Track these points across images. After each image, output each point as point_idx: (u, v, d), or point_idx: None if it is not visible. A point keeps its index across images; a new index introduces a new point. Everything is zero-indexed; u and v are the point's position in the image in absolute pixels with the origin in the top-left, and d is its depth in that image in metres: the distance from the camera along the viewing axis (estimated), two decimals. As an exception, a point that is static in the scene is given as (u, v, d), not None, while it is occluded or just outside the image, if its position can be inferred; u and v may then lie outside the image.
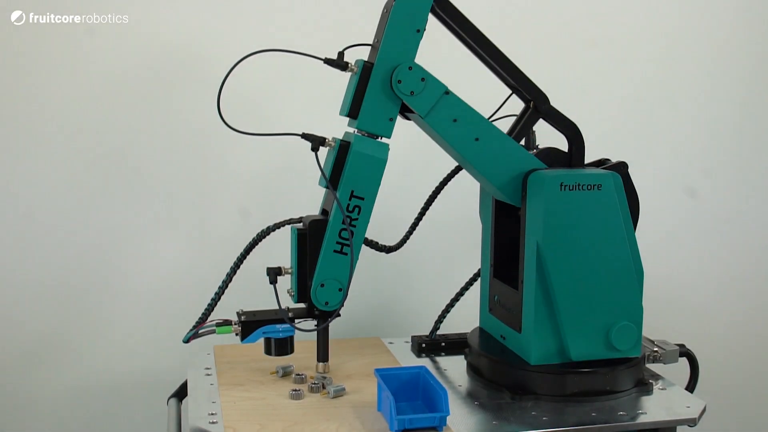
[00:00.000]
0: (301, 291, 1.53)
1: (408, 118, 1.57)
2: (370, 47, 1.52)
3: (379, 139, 1.50)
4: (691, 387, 1.72)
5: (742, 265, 2.37)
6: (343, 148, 1.48)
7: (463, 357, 1.72)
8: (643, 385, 1.56)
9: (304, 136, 1.49)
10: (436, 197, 1.74)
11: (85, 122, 1.94)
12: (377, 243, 1.70)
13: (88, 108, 1.94)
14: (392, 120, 1.49)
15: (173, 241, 2.02)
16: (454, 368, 1.68)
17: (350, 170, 1.47)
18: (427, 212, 1.76)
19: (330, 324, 1.54)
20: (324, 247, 1.49)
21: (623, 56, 2.21)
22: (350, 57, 1.50)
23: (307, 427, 1.38)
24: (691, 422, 1.45)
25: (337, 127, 1.56)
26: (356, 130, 1.50)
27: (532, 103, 1.56)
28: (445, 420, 1.36)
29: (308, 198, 1.71)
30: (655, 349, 1.66)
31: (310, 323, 1.55)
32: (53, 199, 1.94)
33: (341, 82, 1.55)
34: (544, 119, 1.57)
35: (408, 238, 1.74)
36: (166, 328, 1.99)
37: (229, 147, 1.99)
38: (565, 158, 1.58)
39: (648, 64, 2.23)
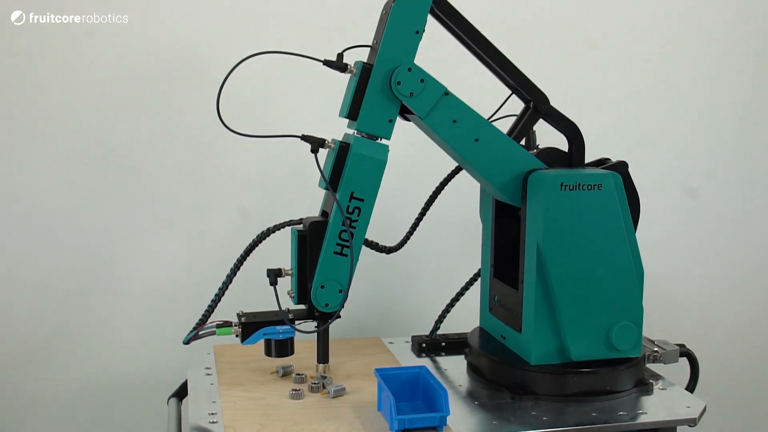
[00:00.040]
0: (302, 292, 1.53)
1: (408, 119, 1.57)
2: (369, 48, 1.52)
3: (378, 141, 1.50)
4: (691, 387, 1.72)
5: (742, 265, 2.38)
6: (342, 149, 1.48)
7: (463, 357, 1.72)
8: (643, 385, 1.56)
9: (304, 137, 1.49)
10: (436, 198, 1.74)
11: (85, 122, 1.94)
12: (377, 244, 1.70)
13: (88, 108, 1.94)
14: (392, 121, 1.49)
15: (173, 243, 2.02)
16: (454, 368, 1.68)
17: (350, 172, 1.47)
18: (428, 213, 1.76)
19: (330, 325, 1.54)
20: (324, 249, 1.49)
21: (623, 56, 2.21)
22: (349, 58, 1.50)
23: (307, 427, 1.38)
24: (691, 422, 1.45)
25: (336, 128, 1.56)
26: (356, 132, 1.50)
27: (531, 103, 1.56)
28: (445, 420, 1.36)
29: (308, 199, 1.72)
30: (655, 349, 1.66)
31: (311, 325, 1.55)
32: (53, 200, 1.94)
33: (341, 83, 1.55)
34: (543, 119, 1.57)
35: (408, 239, 1.74)
36: (166, 328, 1.99)
37: (229, 148, 1.99)
38: (565, 158, 1.58)
39: (648, 64, 2.23)
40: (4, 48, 1.88)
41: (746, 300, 2.39)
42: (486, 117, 1.56)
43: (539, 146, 1.65)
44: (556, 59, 2.15)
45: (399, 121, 1.52)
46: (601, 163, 1.61)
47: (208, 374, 1.63)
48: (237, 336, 1.54)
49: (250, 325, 1.53)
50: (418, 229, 1.76)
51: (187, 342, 1.54)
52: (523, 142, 1.61)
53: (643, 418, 1.44)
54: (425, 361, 1.73)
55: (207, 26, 1.97)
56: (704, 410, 1.48)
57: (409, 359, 1.74)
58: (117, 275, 2.01)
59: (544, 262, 1.48)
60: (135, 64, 1.95)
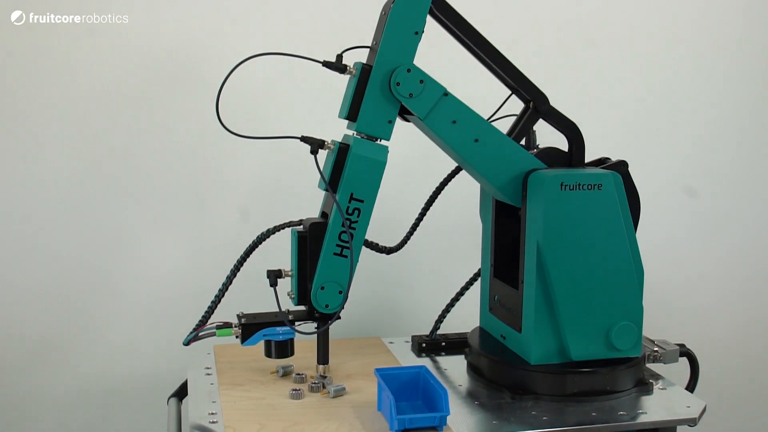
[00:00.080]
0: (302, 293, 1.53)
1: (407, 120, 1.57)
2: (368, 49, 1.52)
3: (378, 142, 1.50)
4: (691, 387, 1.73)
5: (742, 265, 2.37)
6: (342, 150, 1.48)
7: (463, 357, 1.72)
8: (643, 385, 1.56)
9: (303, 139, 1.49)
10: (436, 198, 1.74)
11: (85, 123, 1.94)
12: (377, 244, 1.70)
13: (88, 108, 1.94)
14: (391, 122, 1.49)
15: (174, 244, 2.03)
16: (454, 368, 1.68)
17: (350, 173, 1.47)
18: (427, 213, 1.76)
19: (330, 325, 1.54)
20: (324, 250, 1.49)
21: (623, 56, 2.21)
22: (349, 59, 1.49)
23: (307, 427, 1.38)
24: (691, 422, 1.45)
25: (336, 129, 1.56)
26: (355, 133, 1.50)
27: (531, 103, 1.56)
28: (445, 420, 1.36)
29: (308, 200, 1.72)
30: (655, 349, 1.66)
31: (311, 326, 1.55)
32: (53, 200, 1.95)
33: (340, 84, 1.55)
34: (543, 119, 1.57)
35: (408, 239, 1.74)
36: (166, 328, 1.99)
37: (229, 149, 1.99)
38: (565, 158, 1.58)
39: (648, 64, 2.23)
40: (4, 48, 1.88)
41: (746, 300, 2.39)
42: (486, 117, 1.56)
43: (539, 146, 1.65)
44: (556, 59, 2.15)
45: (398, 121, 1.52)
46: (601, 162, 1.61)
47: (208, 374, 1.64)
48: (237, 337, 1.54)
49: (250, 326, 1.53)
50: (418, 229, 1.75)
51: (187, 343, 1.54)
52: (523, 142, 1.61)
53: (643, 418, 1.44)
54: (425, 361, 1.73)
55: (207, 27, 1.97)
56: (704, 410, 1.48)
57: (409, 359, 1.74)
58: (117, 276, 2.01)
59: (544, 262, 1.48)
60: (135, 64, 1.95)
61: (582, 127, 1.57)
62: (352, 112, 1.48)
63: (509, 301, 1.61)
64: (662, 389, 1.57)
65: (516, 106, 1.61)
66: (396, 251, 1.73)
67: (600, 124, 2.10)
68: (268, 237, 1.56)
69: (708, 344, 1.98)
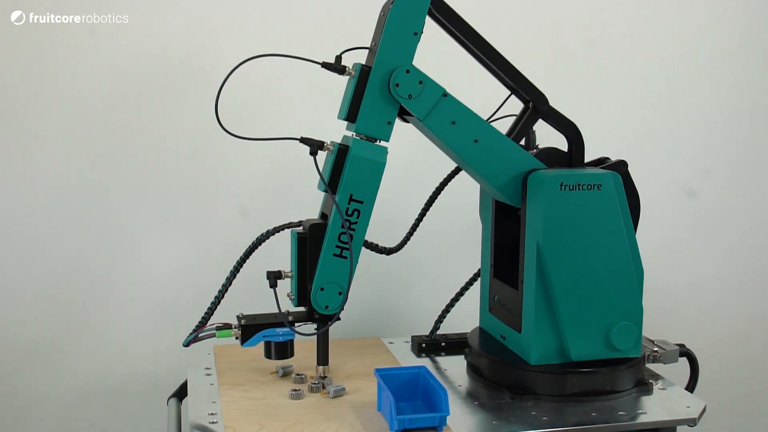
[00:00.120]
0: (301, 295, 1.53)
1: (406, 121, 1.56)
2: (367, 50, 1.52)
3: (377, 143, 1.50)
4: (691, 387, 1.73)
5: (742, 265, 2.37)
6: (341, 151, 1.48)
7: (463, 357, 1.72)
8: (643, 385, 1.56)
9: (303, 140, 1.49)
10: (435, 199, 1.74)
11: (85, 123, 1.94)
12: (377, 245, 1.69)
13: (88, 108, 1.94)
14: (390, 123, 1.49)
15: (173, 244, 2.03)
16: (454, 368, 1.68)
17: (349, 174, 1.47)
18: (427, 214, 1.75)
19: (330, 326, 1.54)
20: (323, 251, 1.49)
21: (623, 56, 2.20)
22: (348, 60, 1.49)
23: (307, 427, 1.38)
24: (691, 422, 1.45)
25: (335, 130, 1.56)
26: (355, 134, 1.49)
27: (531, 103, 1.56)
28: (445, 420, 1.36)
29: (308, 201, 1.72)
30: (655, 349, 1.66)
31: (310, 327, 1.55)
32: (53, 200, 1.95)
33: (339, 85, 1.55)
34: (543, 119, 1.57)
35: (408, 240, 1.74)
36: (166, 328, 1.99)
37: (229, 150, 1.99)
38: (565, 158, 1.58)
39: (648, 64, 2.22)
40: (4, 48, 1.88)
41: (746, 300, 2.39)
42: (485, 118, 1.56)
43: (539, 146, 1.65)
44: (556, 59, 2.14)
45: (398, 122, 1.52)
46: (600, 162, 1.61)
47: (208, 374, 1.64)
48: (237, 338, 1.54)
49: (249, 328, 1.53)
50: (417, 230, 1.75)
51: (187, 344, 1.54)
52: (522, 143, 1.61)
53: (643, 418, 1.44)
54: (425, 361, 1.73)
55: (207, 27, 1.97)
56: (704, 410, 1.48)
57: (409, 359, 1.74)
58: (117, 276, 2.01)
59: (544, 262, 1.48)
60: (135, 64, 1.95)
61: (582, 127, 1.57)
62: (351, 113, 1.48)
63: (509, 301, 1.61)
64: (662, 389, 1.57)
65: (515, 106, 1.61)
66: (396, 252, 1.73)
67: (600, 124, 2.10)
68: (268, 238, 1.55)
69: (708, 344, 1.98)
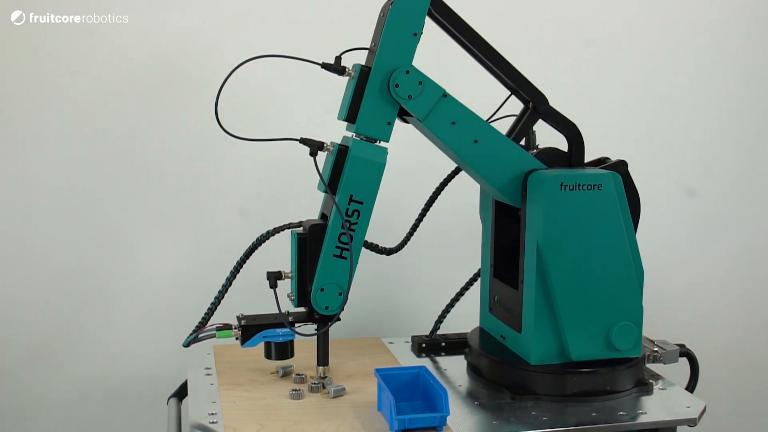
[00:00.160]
0: (301, 295, 1.53)
1: (406, 121, 1.56)
2: (367, 51, 1.52)
3: (377, 143, 1.50)
4: (691, 387, 1.73)
5: (742, 265, 2.37)
6: (341, 152, 1.48)
7: (463, 357, 1.72)
8: (643, 385, 1.56)
9: (303, 140, 1.49)
10: (435, 199, 1.74)
11: (85, 123, 1.95)
12: (377, 246, 1.69)
13: (88, 108, 1.94)
14: (390, 124, 1.49)
15: (174, 245, 2.03)
16: (454, 368, 1.68)
17: (349, 175, 1.47)
18: (427, 214, 1.75)
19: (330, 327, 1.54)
20: (323, 252, 1.49)
21: (623, 56, 2.20)
22: (348, 61, 1.49)
23: (307, 427, 1.38)
24: (691, 422, 1.45)
25: (335, 131, 1.56)
26: (354, 135, 1.49)
27: (530, 103, 1.56)
28: (445, 420, 1.36)
29: (308, 202, 1.72)
30: (655, 349, 1.66)
31: (310, 327, 1.55)
32: (52, 201, 1.95)
33: (339, 86, 1.55)
34: (543, 120, 1.57)
35: (408, 240, 1.74)
36: (166, 329, 1.99)
37: (229, 151, 1.99)
38: (565, 158, 1.58)
39: (648, 64, 2.22)
40: (4, 48, 1.88)
41: (746, 300, 2.39)
42: (485, 118, 1.56)
43: (539, 146, 1.65)
44: (556, 59, 2.14)
45: (398, 122, 1.52)
46: (600, 162, 1.61)
47: (208, 374, 1.64)
48: (237, 339, 1.54)
49: (249, 328, 1.53)
50: (418, 230, 1.75)
51: (187, 345, 1.54)
52: (522, 143, 1.61)
53: (643, 418, 1.44)
54: (425, 361, 1.73)
55: (207, 28, 1.97)
56: (704, 410, 1.48)
57: (409, 359, 1.75)
58: (117, 277, 2.01)
59: (544, 262, 1.48)
60: (135, 64, 1.95)
61: (582, 127, 1.57)
62: (351, 114, 1.48)
63: (509, 301, 1.61)
64: (662, 389, 1.57)
65: (515, 106, 1.61)
66: (396, 252, 1.73)
67: (600, 124, 2.09)
68: (268, 239, 1.56)
69: (708, 344, 1.98)
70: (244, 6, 1.98)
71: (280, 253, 1.62)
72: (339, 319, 1.52)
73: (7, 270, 1.95)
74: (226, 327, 1.54)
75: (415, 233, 1.75)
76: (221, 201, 2.04)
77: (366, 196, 1.48)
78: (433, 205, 1.75)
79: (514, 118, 1.61)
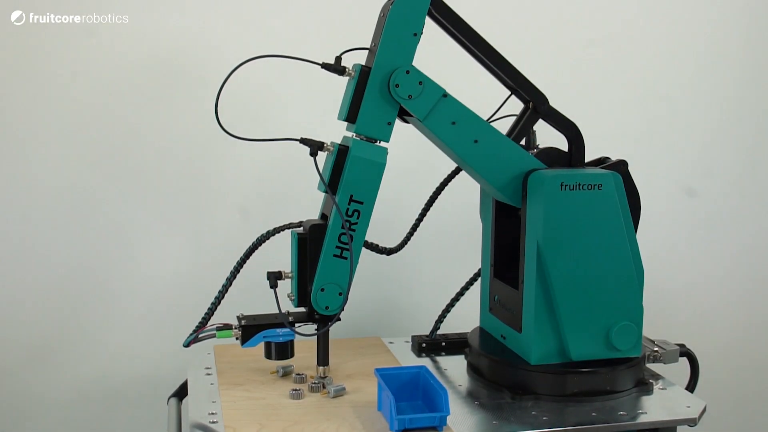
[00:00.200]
0: (302, 295, 1.53)
1: (406, 121, 1.56)
2: (367, 51, 1.52)
3: (377, 143, 1.50)
4: (691, 387, 1.73)
5: (742, 265, 2.37)
6: (341, 152, 1.48)
7: (463, 357, 1.72)
8: (644, 385, 1.56)
9: (303, 141, 1.49)
10: (435, 199, 1.74)
11: (85, 123, 1.94)
12: (377, 246, 1.69)
13: (88, 108, 1.94)
14: (390, 124, 1.49)
15: (174, 245, 2.03)
16: (454, 368, 1.68)
17: (349, 175, 1.47)
18: (427, 214, 1.75)
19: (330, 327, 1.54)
20: (324, 252, 1.49)
21: (623, 56, 2.20)
22: (348, 61, 1.49)
23: (307, 427, 1.38)
24: (691, 422, 1.45)
25: (335, 131, 1.56)
26: (355, 135, 1.49)
27: (531, 103, 1.56)
28: (445, 420, 1.36)
29: (308, 202, 1.72)
30: (655, 349, 1.66)
31: (311, 327, 1.55)
32: (52, 201, 1.95)
33: (339, 86, 1.55)
34: (543, 119, 1.57)
35: (408, 240, 1.74)
36: (166, 329, 1.99)
37: (229, 151, 1.99)
38: (565, 158, 1.58)
39: (648, 63, 2.22)
40: (4, 48, 1.88)
41: (746, 300, 2.39)
42: (485, 118, 1.56)
43: (539, 146, 1.65)
44: (556, 59, 2.14)
45: (398, 122, 1.52)
46: (600, 162, 1.61)
47: (208, 374, 1.64)
48: (237, 339, 1.54)
49: (250, 328, 1.53)
50: (418, 230, 1.75)
51: (187, 345, 1.54)
52: (522, 143, 1.61)
53: (643, 418, 1.44)
54: (425, 361, 1.73)
55: (207, 28, 1.97)
56: (704, 410, 1.48)
57: (409, 359, 1.75)
58: (118, 277, 2.01)
59: (544, 262, 1.48)
60: (135, 64, 1.95)
61: (582, 127, 1.57)
62: (351, 114, 1.48)
63: (509, 301, 1.61)
64: (662, 389, 1.57)
65: (515, 106, 1.61)
66: (396, 252, 1.73)
67: (600, 124, 2.09)
68: (268, 239, 1.56)
69: (708, 344, 1.98)
70: (244, 6, 1.98)
71: (280, 253, 1.62)
72: (339, 319, 1.52)
73: (7, 270, 1.95)
74: (227, 327, 1.54)
75: (415, 233, 1.75)
76: (221, 201, 2.04)
77: (366, 196, 1.48)
78: (433, 205, 1.75)
79: (514, 118, 1.61)
